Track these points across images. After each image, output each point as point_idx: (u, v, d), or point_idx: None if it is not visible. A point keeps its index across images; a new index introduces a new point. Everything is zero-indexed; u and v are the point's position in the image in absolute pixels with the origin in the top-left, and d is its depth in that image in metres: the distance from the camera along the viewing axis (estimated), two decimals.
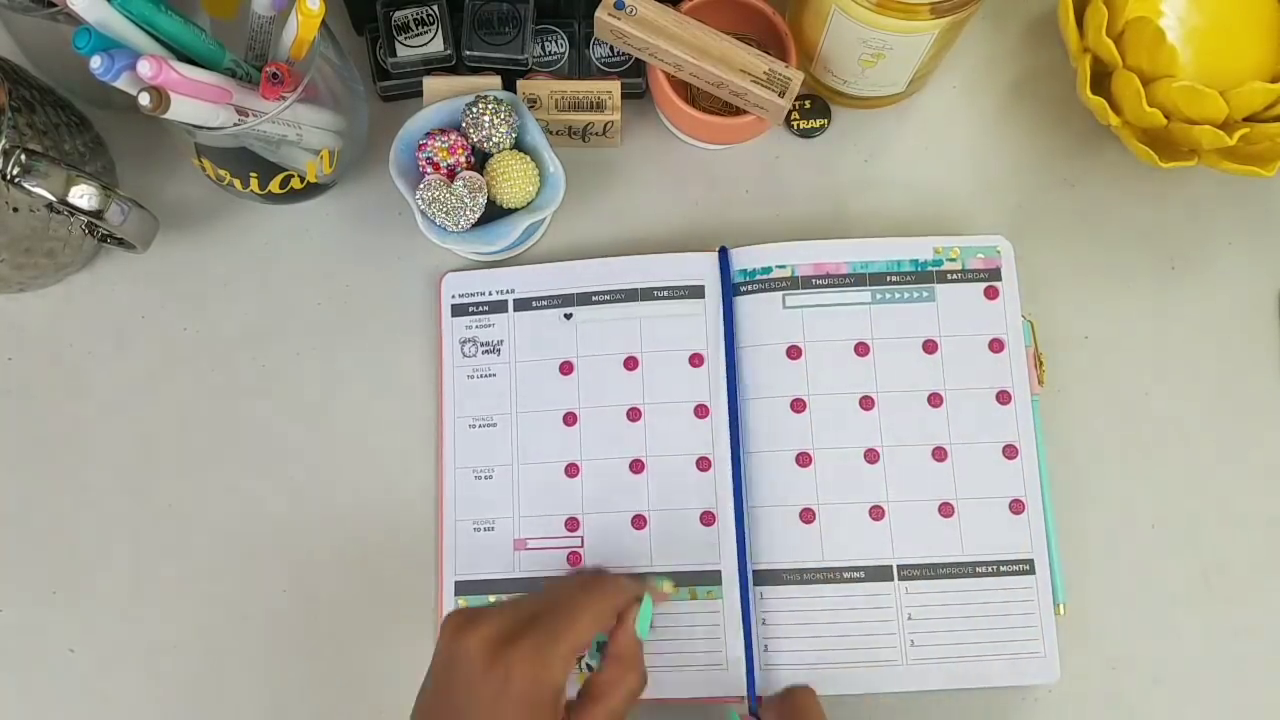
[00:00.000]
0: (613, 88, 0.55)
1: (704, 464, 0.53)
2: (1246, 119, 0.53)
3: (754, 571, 0.51)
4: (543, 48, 0.58)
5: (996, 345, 0.53)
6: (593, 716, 0.42)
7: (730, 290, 0.54)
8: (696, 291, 0.54)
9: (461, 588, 0.53)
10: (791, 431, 0.53)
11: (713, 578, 0.52)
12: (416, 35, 0.56)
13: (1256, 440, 0.56)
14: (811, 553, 0.51)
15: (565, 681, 0.42)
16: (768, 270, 0.54)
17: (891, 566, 0.51)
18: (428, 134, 0.52)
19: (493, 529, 0.53)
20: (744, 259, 0.54)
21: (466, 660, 0.41)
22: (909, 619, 0.51)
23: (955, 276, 0.54)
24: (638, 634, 0.46)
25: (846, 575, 0.51)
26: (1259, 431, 0.56)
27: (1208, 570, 0.54)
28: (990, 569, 0.51)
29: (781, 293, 0.54)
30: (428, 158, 0.51)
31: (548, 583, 0.48)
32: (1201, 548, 0.54)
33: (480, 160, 0.53)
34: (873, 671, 0.50)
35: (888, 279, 0.54)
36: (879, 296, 0.54)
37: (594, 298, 0.55)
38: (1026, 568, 0.51)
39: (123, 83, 0.43)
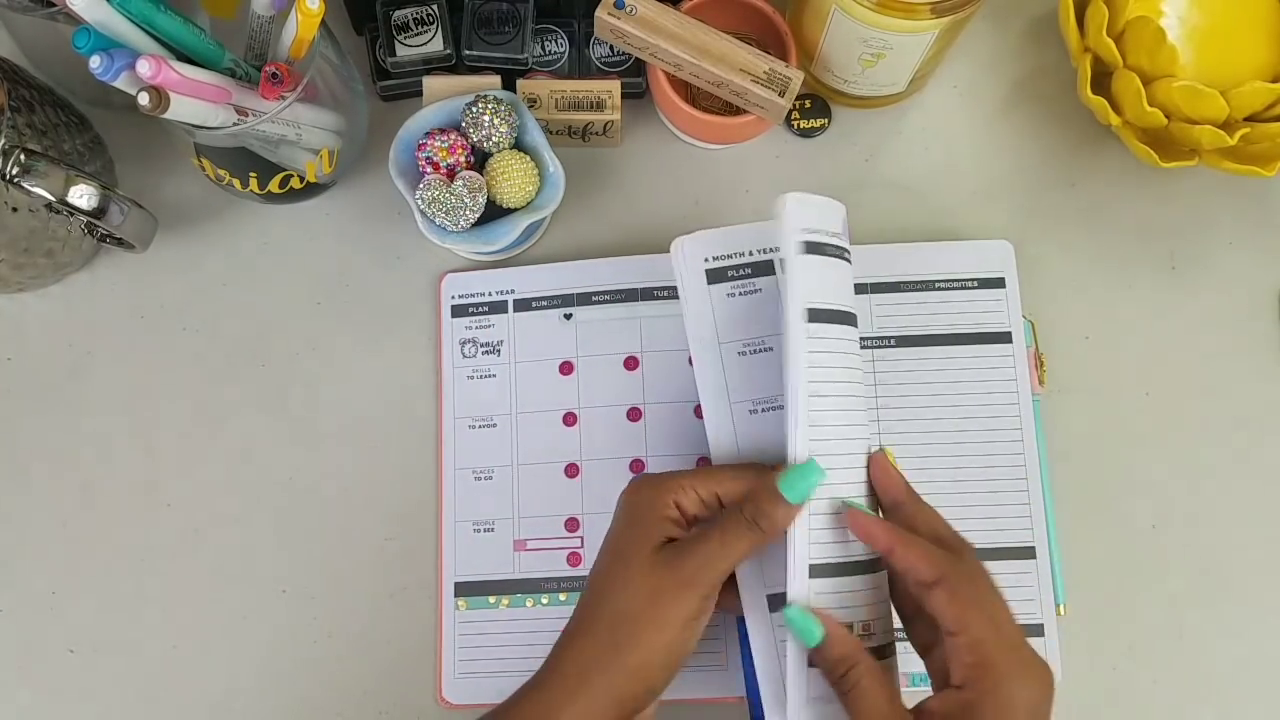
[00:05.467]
0: (613, 87, 0.55)
1: (704, 464, 0.53)
2: (1247, 119, 0.53)
3: None
4: (543, 47, 0.58)
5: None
6: (687, 555, 0.42)
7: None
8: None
9: (461, 589, 0.53)
10: None
11: None
12: (416, 35, 0.56)
13: (1257, 440, 0.56)
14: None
15: (668, 506, 0.43)
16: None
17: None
18: (427, 134, 0.52)
19: (492, 530, 0.53)
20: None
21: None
22: None
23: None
24: (781, 491, 0.42)
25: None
26: (1259, 431, 0.56)
27: (1208, 570, 0.54)
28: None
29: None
30: (427, 157, 0.51)
31: None
32: (1201, 548, 0.54)
33: (480, 160, 0.53)
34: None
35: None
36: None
37: (594, 298, 0.55)
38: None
39: (122, 82, 0.43)
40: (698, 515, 0.44)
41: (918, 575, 0.41)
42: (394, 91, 0.58)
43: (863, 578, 0.43)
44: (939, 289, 0.54)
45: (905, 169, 0.58)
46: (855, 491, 0.44)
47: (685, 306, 0.47)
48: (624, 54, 0.57)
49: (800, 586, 0.42)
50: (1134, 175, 0.58)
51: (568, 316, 0.55)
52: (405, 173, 0.52)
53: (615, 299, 0.55)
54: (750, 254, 0.47)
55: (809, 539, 0.42)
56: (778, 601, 0.44)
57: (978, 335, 0.54)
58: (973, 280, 0.54)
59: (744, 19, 0.56)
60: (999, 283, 0.54)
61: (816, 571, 0.43)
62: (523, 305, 0.55)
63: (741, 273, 0.47)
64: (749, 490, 0.43)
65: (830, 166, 0.58)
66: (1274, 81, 0.53)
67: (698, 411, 0.53)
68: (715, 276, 0.48)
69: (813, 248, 0.45)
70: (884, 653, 0.44)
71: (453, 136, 0.51)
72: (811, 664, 0.42)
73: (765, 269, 0.47)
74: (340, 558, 0.54)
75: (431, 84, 0.53)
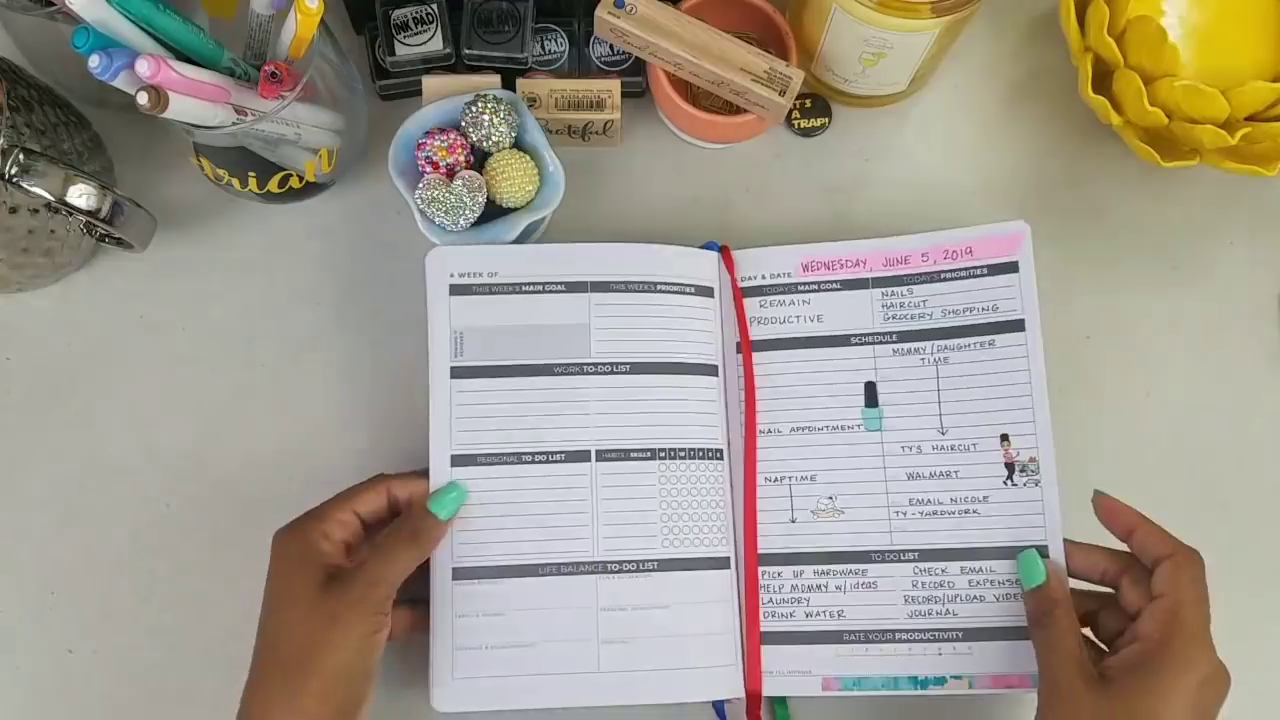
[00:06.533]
0: (613, 86, 0.55)
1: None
2: (1248, 118, 0.53)
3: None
4: (542, 46, 0.58)
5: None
6: (354, 579, 0.45)
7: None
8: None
9: (459, 573, 0.53)
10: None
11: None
12: (416, 34, 0.55)
13: (1257, 440, 0.56)
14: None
15: (320, 541, 0.46)
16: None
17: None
18: (427, 133, 0.51)
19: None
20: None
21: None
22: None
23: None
24: (432, 511, 0.48)
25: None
26: (1259, 431, 0.56)
27: (1208, 570, 0.54)
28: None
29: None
30: (427, 157, 0.51)
31: None
32: (1201, 548, 0.54)
33: (479, 159, 0.52)
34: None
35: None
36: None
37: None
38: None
39: (121, 82, 0.43)
40: (347, 539, 0.47)
41: (1152, 551, 0.46)
42: (394, 91, 0.58)
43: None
44: (945, 279, 0.53)
45: (905, 169, 0.58)
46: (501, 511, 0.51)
47: (429, 315, 0.52)
48: (624, 53, 0.57)
49: (444, 584, 0.50)
50: (1134, 175, 0.58)
51: None
52: (405, 172, 0.52)
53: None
54: (496, 275, 0.52)
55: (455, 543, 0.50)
56: (460, 573, 0.50)
57: (987, 326, 0.52)
58: (982, 268, 0.53)
59: (744, 18, 0.55)
60: (1011, 268, 0.52)
61: (461, 574, 0.50)
62: None
63: (484, 290, 0.52)
64: (402, 507, 0.49)
65: (830, 166, 0.58)
66: (1275, 81, 0.53)
67: None
68: (459, 290, 0.52)
69: (459, 290, 0.51)
70: None
71: (452, 136, 0.51)
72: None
73: (506, 289, 0.52)
74: None
75: (431, 83, 0.53)
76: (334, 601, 0.44)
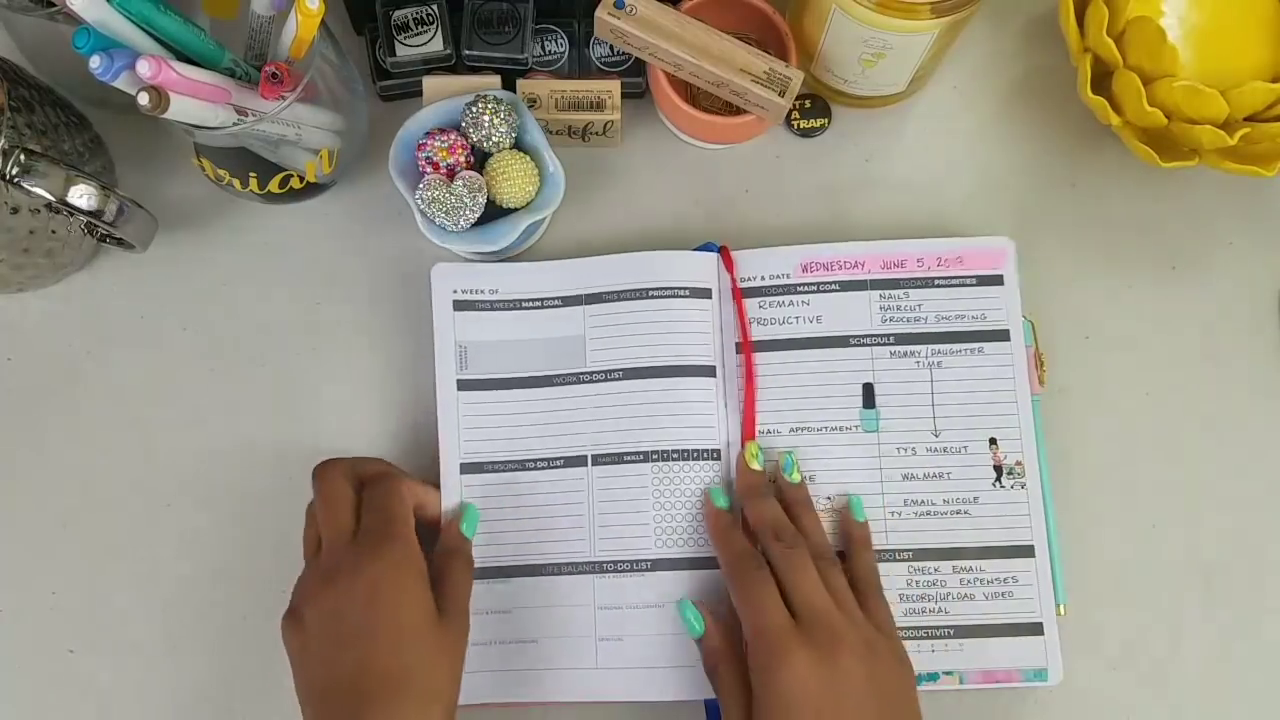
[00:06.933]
0: (613, 87, 0.55)
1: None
2: (1247, 119, 0.53)
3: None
4: (542, 47, 0.58)
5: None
6: (456, 613, 0.47)
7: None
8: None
9: None
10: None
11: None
12: (416, 35, 0.56)
13: (1257, 440, 0.56)
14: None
15: (427, 568, 0.47)
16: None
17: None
18: (427, 134, 0.52)
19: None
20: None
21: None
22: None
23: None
24: (464, 533, 0.51)
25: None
26: (1259, 431, 0.56)
27: (1208, 570, 0.54)
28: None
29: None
30: (427, 157, 0.51)
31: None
32: (1201, 548, 0.54)
33: (480, 160, 0.53)
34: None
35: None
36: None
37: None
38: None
39: (122, 82, 0.43)
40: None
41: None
42: (394, 91, 0.58)
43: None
44: (938, 286, 0.54)
45: (905, 169, 0.59)
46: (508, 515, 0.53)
47: (435, 330, 0.54)
48: (624, 54, 0.57)
49: None
50: (1134, 175, 0.58)
51: None
52: (405, 173, 0.52)
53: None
54: (497, 291, 0.54)
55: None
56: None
57: (977, 334, 0.54)
58: (971, 278, 0.54)
59: (744, 19, 0.55)
60: (998, 280, 0.54)
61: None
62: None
63: (485, 306, 0.54)
64: (443, 535, 0.51)
65: (830, 166, 0.58)
66: (1274, 81, 0.53)
67: None
68: (462, 305, 0.54)
69: (462, 305, 0.54)
70: None
71: (452, 136, 0.51)
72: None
73: (506, 306, 0.54)
74: None
75: (431, 84, 0.53)
76: (447, 634, 0.46)
